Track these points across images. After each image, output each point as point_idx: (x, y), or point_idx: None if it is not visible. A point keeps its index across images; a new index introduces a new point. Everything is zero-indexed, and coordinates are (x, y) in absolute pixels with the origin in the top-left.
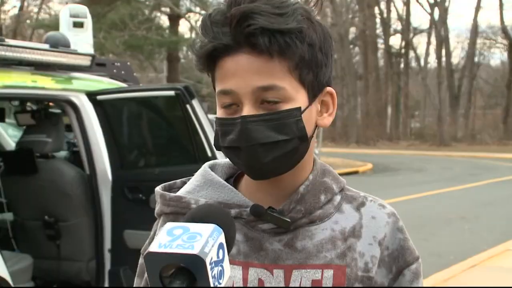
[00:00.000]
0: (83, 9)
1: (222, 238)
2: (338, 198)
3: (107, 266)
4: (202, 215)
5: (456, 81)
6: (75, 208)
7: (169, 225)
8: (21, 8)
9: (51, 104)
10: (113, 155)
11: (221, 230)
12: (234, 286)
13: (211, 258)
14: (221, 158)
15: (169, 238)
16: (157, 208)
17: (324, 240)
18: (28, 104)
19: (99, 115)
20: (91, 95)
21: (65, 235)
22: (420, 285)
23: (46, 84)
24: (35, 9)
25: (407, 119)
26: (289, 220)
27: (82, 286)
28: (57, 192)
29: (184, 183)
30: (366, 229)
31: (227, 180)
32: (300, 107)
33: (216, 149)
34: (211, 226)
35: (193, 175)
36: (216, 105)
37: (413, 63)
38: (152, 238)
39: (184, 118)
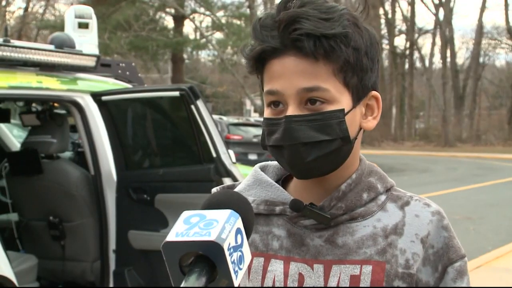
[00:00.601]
0: (88, 10)
1: (239, 223)
2: (383, 197)
3: (112, 266)
4: (218, 201)
5: (461, 81)
6: (79, 209)
7: (186, 213)
8: (26, 9)
9: (56, 104)
10: (117, 156)
11: (238, 215)
12: (275, 279)
13: (229, 244)
14: (226, 159)
15: (186, 227)
16: None
17: (365, 236)
18: (33, 104)
19: (104, 115)
20: (96, 96)
21: (70, 236)
22: (464, 285)
23: (51, 85)
24: (40, 10)
25: (411, 119)
26: (329, 216)
27: (86, 287)
28: (62, 193)
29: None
30: (408, 226)
31: (278, 180)
32: (343, 109)
33: (263, 149)
34: (227, 212)
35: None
36: (264, 106)
37: (418, 64)
38: None
39: (189, 119)
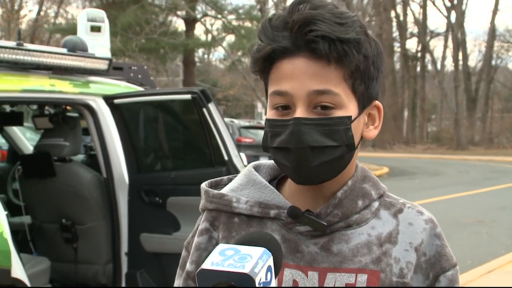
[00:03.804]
0: (101, 13)
1: (270, 261)
2: (376, 204)
3: (124, 269)
4: (251, 239)
5: (473, 84)
6: (92, 212)
7: (221, 246)
8: (38, 12)
9: (68, 108)
10: (130, 159)
11: (270, 253)
12: None
13: (260, 279)
14: (238, 162)
15: (221, 258)
16: (201, 203)
17: (360, 244)
18: (46, 108)
19: (116, 118)
20: (108, 99)
21: (82, 238)
22: None
23: (63, 88)
24: (52, 14)
25: (423, 122)
26: (325, 223)
27: None
28: (75, 196)
29: (230, 180)
30: (402, 235)
31: (270, 181)
32: (351, 116)
33: (264, 150)
34: (261, 249)
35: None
36: (267, 107)
37: (430, 67)
38: (195, 232)
39: (201, 122)
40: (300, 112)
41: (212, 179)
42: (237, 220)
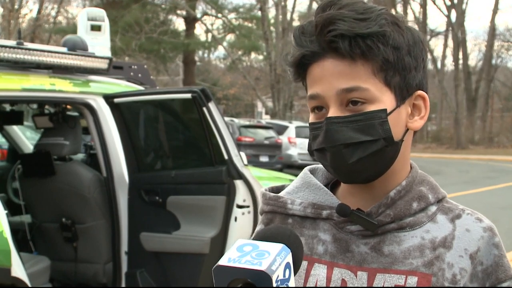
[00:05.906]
0: (101, 12)
1: (289, 258)
2: (433, 208)
3: (124, 268)
4: (271, 234)
5: (473, 83)
6: (92, 211)
7: (240, 241)
8: (39, 12)
9: (68, 107)
10: (130, 158)
11: (289, 250)
12: (318, 284)
13: (278, 276)
14: (238, 161)
15: (238, 254)
16: (260, 207)
17: (412, 247)
18: (46, 107)
19: (116, 117)
20: (108, 98)
21: (82, 238)
22: None
23: (64, 87)
24: (53, 13)
25: None
26: (376, 222)
27: None
28: (75, 195)
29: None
30: (458, 240)
31: (327, 184)
32: (385, 109)
33: (310, 155)
34: (279, 246)
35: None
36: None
37: (430, 66)
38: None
39: (201, 121)
40: (332, 112)
41: (274, 185)
42: (291, 221)
